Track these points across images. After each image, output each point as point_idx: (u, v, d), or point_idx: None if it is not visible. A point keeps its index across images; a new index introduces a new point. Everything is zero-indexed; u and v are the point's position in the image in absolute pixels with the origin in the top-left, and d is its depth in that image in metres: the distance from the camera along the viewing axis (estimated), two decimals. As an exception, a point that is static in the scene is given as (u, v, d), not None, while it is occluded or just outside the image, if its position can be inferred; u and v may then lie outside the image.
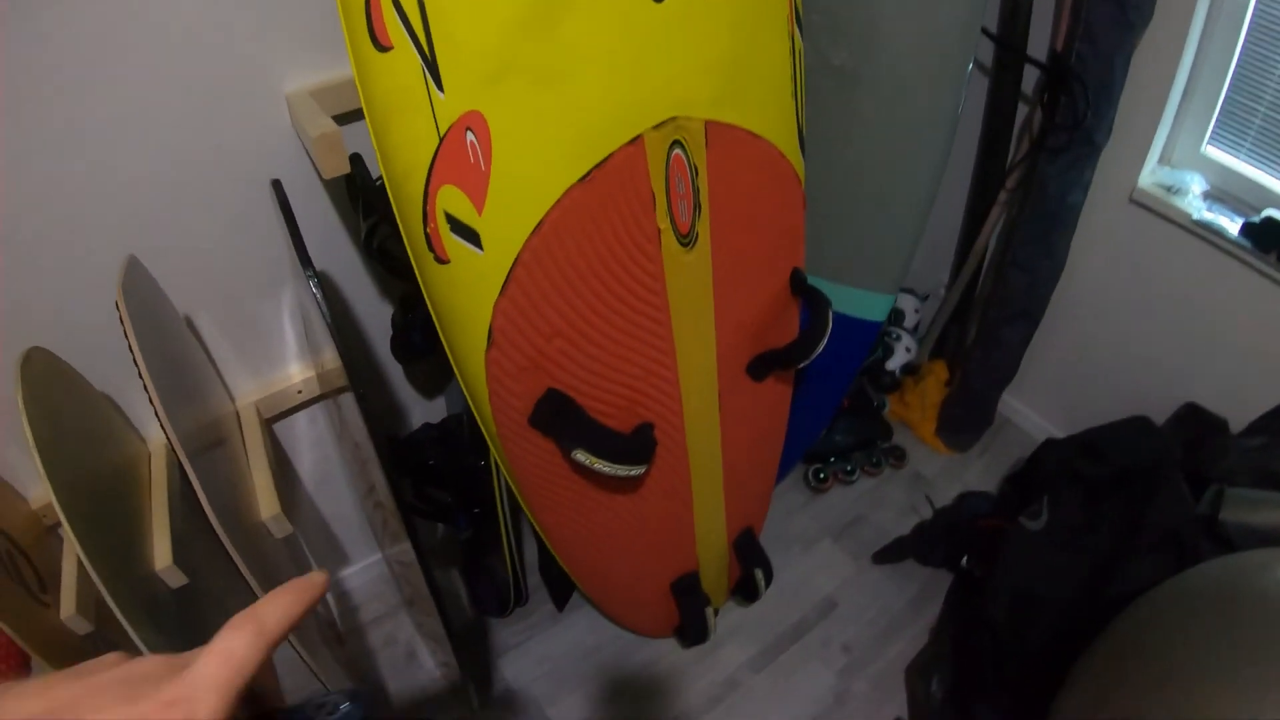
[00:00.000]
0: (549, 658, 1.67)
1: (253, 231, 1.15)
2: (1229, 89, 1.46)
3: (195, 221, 1.10)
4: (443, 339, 0.92)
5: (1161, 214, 1.59)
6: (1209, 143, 1.55)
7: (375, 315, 1.38)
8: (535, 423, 0.95)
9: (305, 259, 0.88)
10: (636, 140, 0.89)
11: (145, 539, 1.06)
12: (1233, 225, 1.48)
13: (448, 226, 0.81)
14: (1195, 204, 1.54)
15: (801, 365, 1.17)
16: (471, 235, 0.82)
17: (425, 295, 0.89)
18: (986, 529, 1.71)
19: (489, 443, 1.02)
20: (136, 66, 0.92)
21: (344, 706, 0.43)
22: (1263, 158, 1.48)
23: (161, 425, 0.88)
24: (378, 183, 1.06)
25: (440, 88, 0.75)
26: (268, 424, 1.38)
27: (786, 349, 1.17)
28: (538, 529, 1.17)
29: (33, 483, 1.14)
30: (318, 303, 0.85)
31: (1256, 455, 1.46)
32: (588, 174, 0.86)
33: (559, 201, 0.84)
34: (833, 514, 1.95)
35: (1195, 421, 1.64)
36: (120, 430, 1.18)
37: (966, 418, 2.03)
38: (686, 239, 0.99)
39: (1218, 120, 1.51)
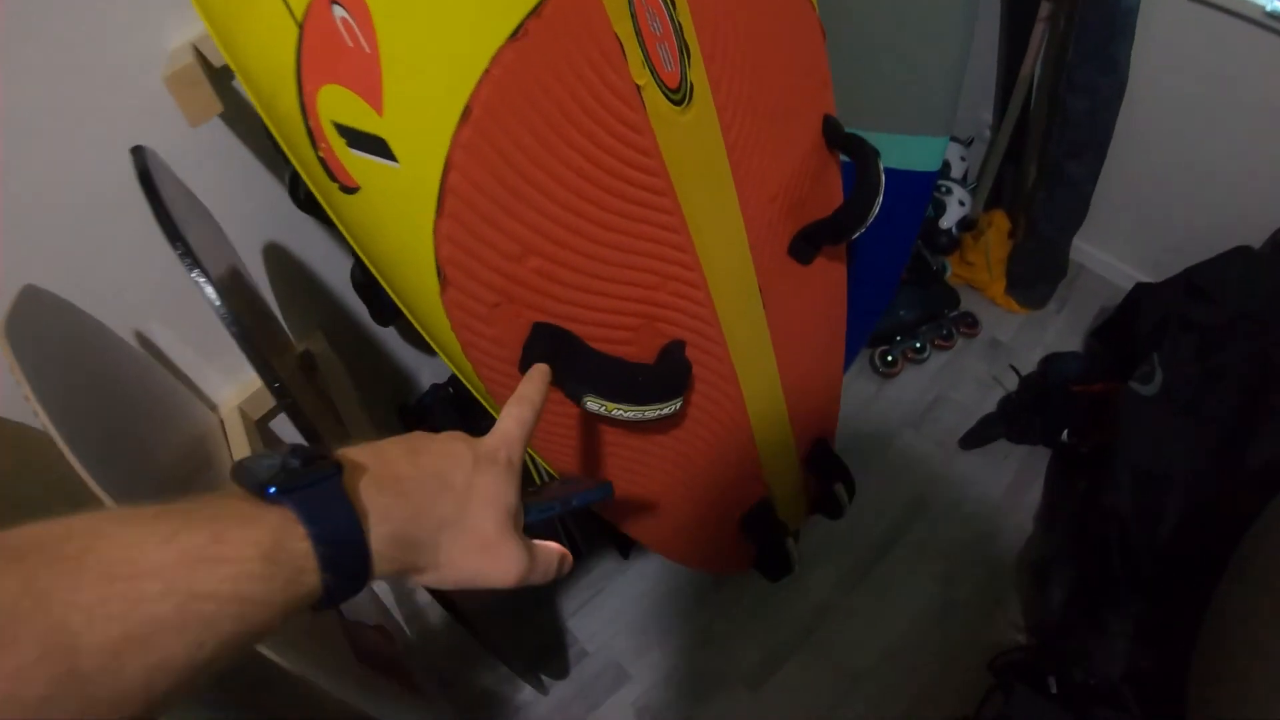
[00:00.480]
0: (622, 611, 1.52)
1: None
2: None
3: (96, 228, 0.93)
4: (388, 290, 0.70)
5: (1228, 9, 1.36)
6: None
7: (347, 273, 1.19)
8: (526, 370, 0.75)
9: (184, 252, 0.66)
10: (580, -31, 0.65)
11: None
12: None
13: (342, 141, 0.58)
14: (1265, -6, 1.29)
15: (855, 236, 0.95)
16: (376, 145, 0.59)
17: (349, 240, 0.67)
18: (1087, 396, 1.48)
19: (485, 405, 0.82)
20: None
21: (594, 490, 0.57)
22: None
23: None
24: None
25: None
26: (258, 425, 1.22)
27: (834, 217, 0.94)
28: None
29: None
30: (216, 307, 0.65)
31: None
32: (519, 27, 0.61)
33: (487, 72, 0.61)
34: (908, 400, 1.74)
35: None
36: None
37: (1038, 270, 1.78)
38: (678, 94, 0.75)
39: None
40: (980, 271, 1.83)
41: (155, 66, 0.82)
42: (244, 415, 1.13)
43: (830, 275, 1.10)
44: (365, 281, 1.01)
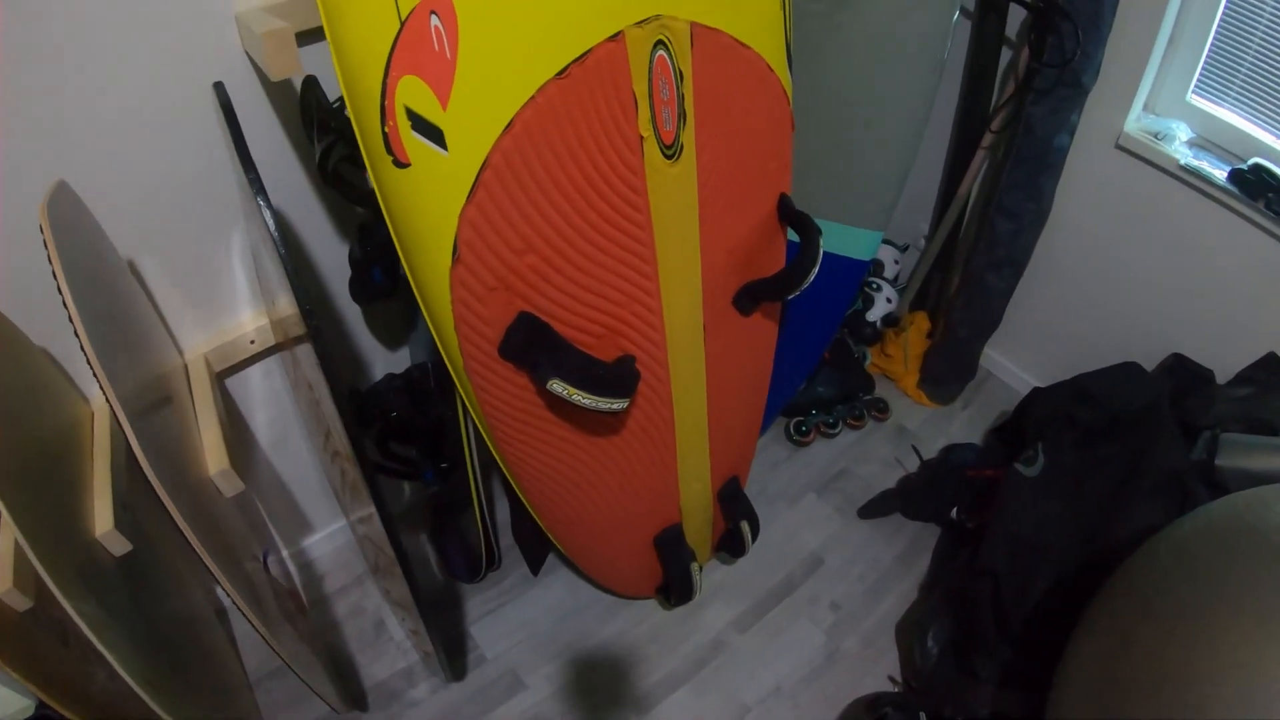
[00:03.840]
0: (525, 623, 1.60)
1: (198, 160, 1.05)
2: (1215, 37, 1.42)
3: (135, 148, 0.99)
4: (402, 258, 0.82)
5: (1148, 160, 1.55)
6: (1194, 91, 1.51)
7: (332, 255, 1.28)
8: (506, 352, 0.87)
9: (255, 179, 0.77)
10: (618, 36, 0.80)
11: (86, 505, 0.98)
12: (1220, 173, 1.44)
13: (408, 123, 0.72)
14: (1182, 151, 1.50)
15: (790, 296, 1.10)
16: (434, 133, 0.72)
17: (383, 207, 0.79)
18: (978, 479, 1.66)
19: (455, 379, 0.93)
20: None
21: None
22: (1248, 107, 1.44)
23: (97, 379, 0.79)
24: (335, 104, 0.97)
25: (399, -38, 0.66)
26: (219, 378, 1.29)
27: (776, 278, 1.09)
28: (510, 479, 1.09)
29: None
30: (270, 233, 0.75)
31: (1244, 404, 1.43)
32: (565, 69, 0.77)
33: (533, 99, 0.75)
34: (816, 468, 1.90)
35: (1182, 372, 1.61)
36: (59, 389, 1.08)
37: (949, 369, 1.98)
38: (671, 150, 0.90)
39: (1203, 68, 1.47)
40: (897, 364, 2.02)
41: (227, 20, 0.94)
42: (208, 364, 1.20)
43: (764, 330, 1.25)
44: (362, 260, 1.11)
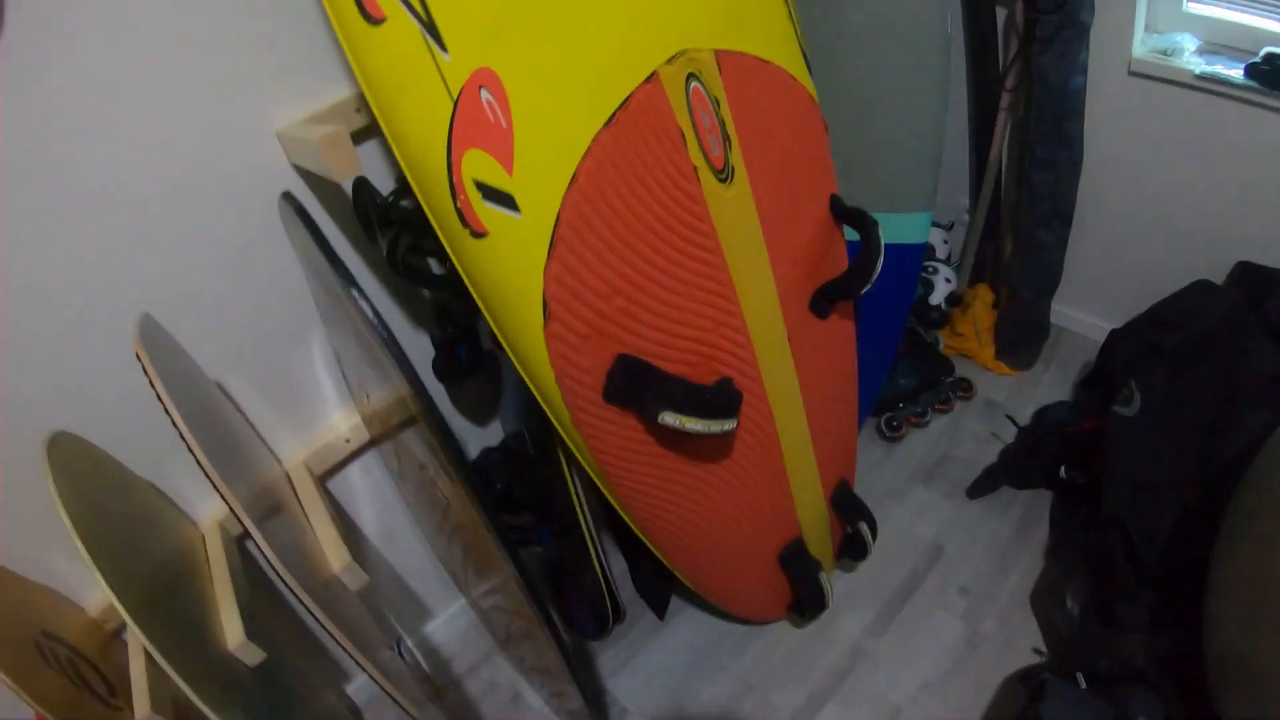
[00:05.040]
0: (659, 670, 1.59)
1: (268, 274, 1.10)
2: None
3: (206, 273, 1.04)
4: (493, 325, 0.86)
5: (1163, 78, 1.55)
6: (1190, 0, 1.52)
7: (407, 342, 1.30)
8: (611, 396, 0.89)
9: (345, 272, 0.81)
10: (652, 77, 0.84)
11: (212, 621, 1.00)
12: (1235, 72, 1.44)
13: (479, 194, 0.75)
14: (1193, 61, 1.51)
15: (862, 291, 1.11)
16: (506, 199, 0.76)
17: (466, 280, 0.83)
18: (1078, 434, 1.63)
19: (563, 435, 0.96)
20: (125, 129, 0.89)
21: None
22: (1246, 1, 1.44)
23: (217, 489, 0.83)
24: (389, 198, 1.02)
25: (444, 49, 0.71)
26: (320, 481, 1.33)
27: (846, 276, 1.11)
28: (630, 522, 1.11)
29: (87, 589, 1.09)
30: (370, 319, 0.79)
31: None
32: (611, 117, 0.81)
33: (589, 150, 0.79)
34: (915, 459, 1.88)
35: (1252, 278, 1.59)
36: (166, 513, 1.13)
37: (1022, 333, 1.96)
38: (723, 174, 0.93)
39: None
40: (970, 341, 2.01)
41: (268, 138, 0.99)
42: (308, 469, 1.24)
43: (843, 330, 1.26)
44: (444, 339, 1.16)
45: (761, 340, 1.05)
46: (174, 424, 0.81)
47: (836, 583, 1.63)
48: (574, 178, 0.79)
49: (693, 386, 0.90)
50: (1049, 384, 1.97)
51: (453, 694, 1.65)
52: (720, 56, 0.91)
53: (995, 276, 2.03)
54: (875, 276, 1.09)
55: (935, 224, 2.05)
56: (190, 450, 0.82)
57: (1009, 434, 1.82)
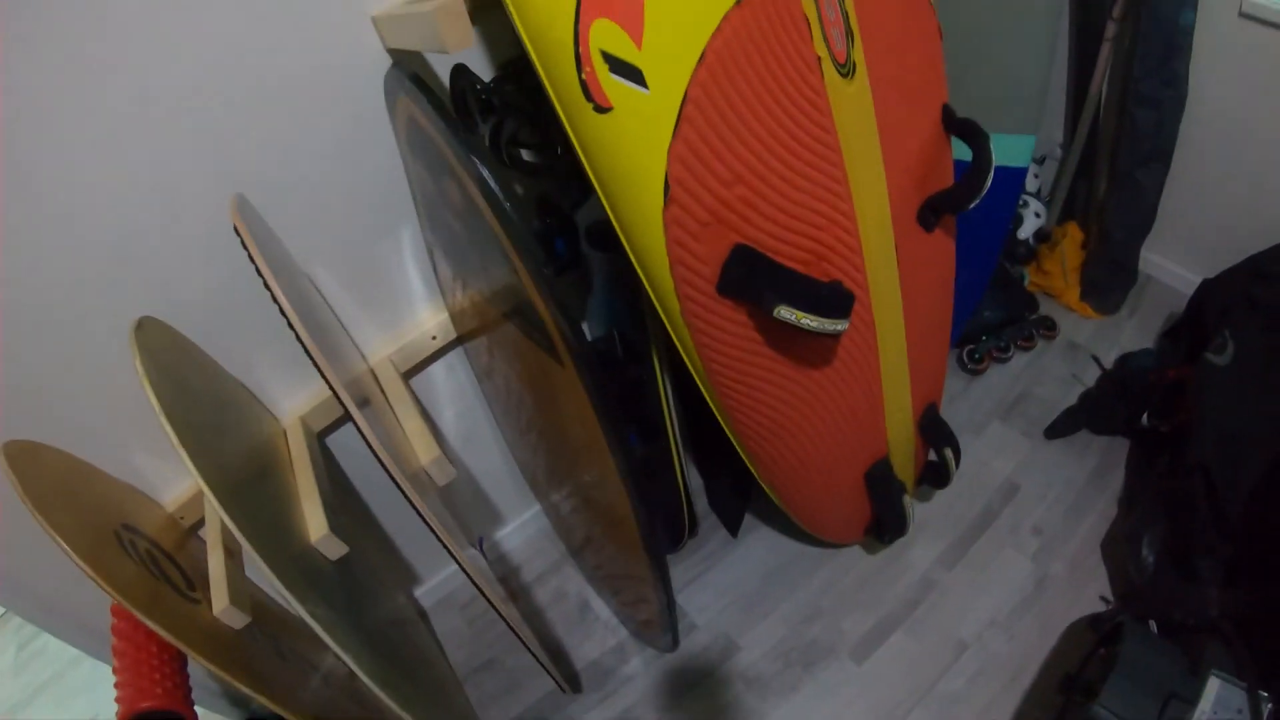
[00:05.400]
0: (731, 586, 1.62)
1: (363, 163, 1.09)
2: None
3: (300, 161, 1.03)
4: (608, 208, 0.86)
5: (1275, 23, 1.47)
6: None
7: None
8: (725, 288, 0.88)
9: (458, 134, 0.79)
10: (783, -40, 0.82)
11: (294, 515, 1.01)
12: None
13: (606, 67, 0.74)
14: (1308, 6, 1.41)
15: (971, 205, 1.09)
16: (634, 73, 0.75)
17: (584, 159, 0.82)
18: (1162, 381, 1.59)
19: (670, 329, 0.96)
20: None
21: None
22: None
23: (318, 368, 0.82)
24: (490, 84, 1.01)
25: (580, -90, 0.70)
26: (404, 378, 1.33)
27: (956, 187, 1.08)
28: (728, 427, 1.11)
29: (166, 485, 1.12)
30: (484, 186, 0.78)
31: None
32: None
33: (719, 28, 0.77)
34: (995, 394, 1.85)
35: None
36: (250, 407, 1.14)
37: (1110, 276, 1.90)
38: (845, 68, 0.91)
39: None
40: (1056, 279, 1.96)
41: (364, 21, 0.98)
42: (394, 366, 1.24)
43: (946, 247, 1.24)
44: (543, 233, 1.16)
45: (871, 245, 1.04)
46: (274, 299, 0.80)
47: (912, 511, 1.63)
48: (703, 56, 0.77)
49: (811, 281, 0.89)
50: (1133, 331, 1.91)
51: (521, 602, 1.70)
52: (846, -54, 0.88)
53: (1086, 215, 1.97)
54: (984, 191, 1.06)
55: (1027, 159, 1.99)
56: (291, 327, 0.81)
57: (1090, 377, 1.78)
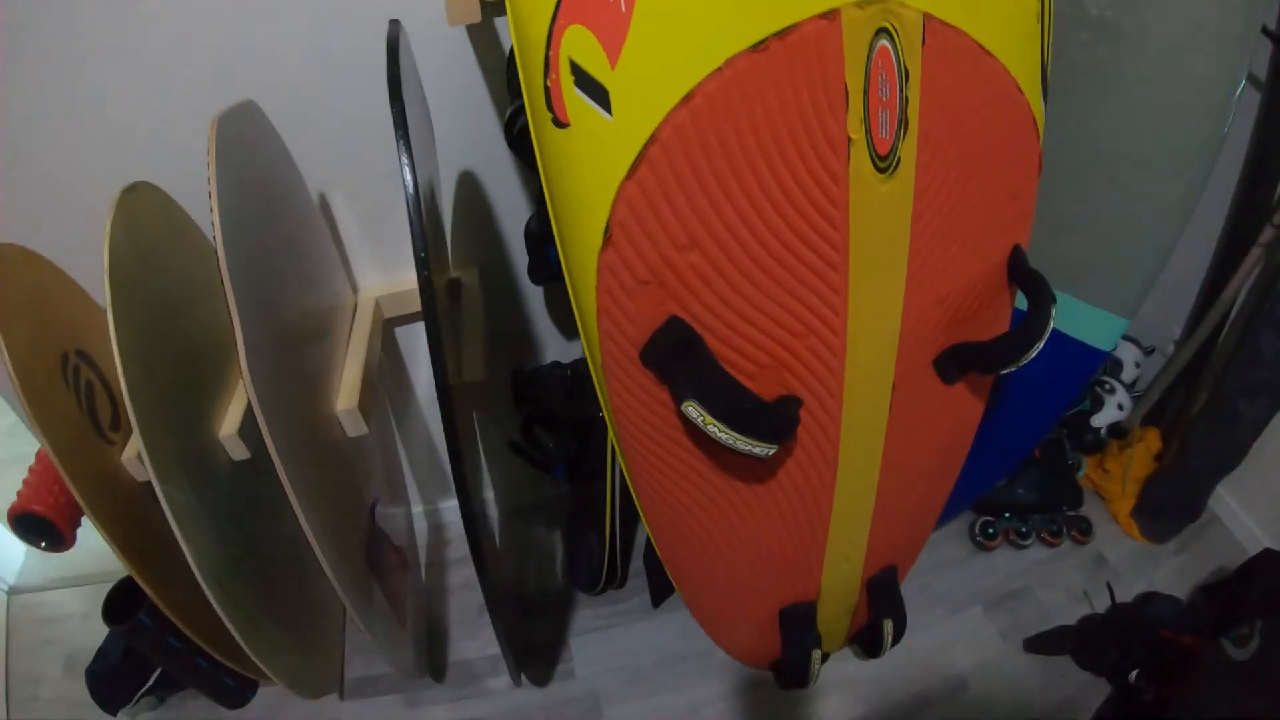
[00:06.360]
0: (626, 652, 1.49)
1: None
2: None
3: (329, 80, 1.03)
4: (555, 229, 0.75)
5: None
6: None
7: (520, 226, 1.23)
8: (648, 358, 0.76)
9: (399, 111, 0.76)
10: (833, 14, 0.67)
11: (219, 406, 1.00)
12: None
13: (572, 79, 0.63)
14: None
15: (1005, 371, 0.92)
16: (599, 92, 0.63)
17: (541, 170, 0.72)
18: (1173, 643, 1.36)
19: (594, 377, 0.84)
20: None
21: None
22: None
23: (226, 297, 0.80)
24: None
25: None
26: (388, 325, 1.29)
27: (990, 344, 0.91)
28: (635, 498, 0.99)
29: None
30: (404, 167, 0.71)
31: None
32: (763, 42, 0.65)
33: (719, 70, 0.64)
34: (992, 578, 1.65)
35: None
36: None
37: (1172, 503, 1.66)
38: (885, 162, 0.76)
39: None
40: (1114, 483, 1.72)
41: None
42: (378, 308, 1.20)
43: (965, 408, 1.06)
44: (539, 235, 1.06)
45: (859, 374, 0.88)
46: (212, 220, 0.77)
47: (844, 663, 1.45)
48: (689, 96, 0.64)
49: (737, 388, 0.75)
50: (1172, 570, 1.66)
51: (431, 575, 1.63)
52: (930, 22, 0.72)
53: (1173, 426, 1.73)
54: (1025, 360, 0.89)
55: (1134, 341, 1.76)
56: (216, 246, 0.78)
57: (1102, 603, 1.55)
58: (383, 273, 1.25)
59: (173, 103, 1.01)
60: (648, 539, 1.57)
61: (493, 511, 1.75)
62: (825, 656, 1.33)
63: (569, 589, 1.59)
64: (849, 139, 0.73)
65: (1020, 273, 0.92)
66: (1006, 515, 1.68)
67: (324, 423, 1.02)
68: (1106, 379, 1.73)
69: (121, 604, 1.20)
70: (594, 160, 0.67)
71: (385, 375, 1.42)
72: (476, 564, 0.98)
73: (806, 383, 0.85)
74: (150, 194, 0.95)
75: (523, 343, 1.47)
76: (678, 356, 0.74)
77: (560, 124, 0.66)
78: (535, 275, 1.17)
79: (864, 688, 1.44)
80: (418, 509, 1.71)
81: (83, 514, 0.93)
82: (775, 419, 0.77)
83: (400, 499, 1.57)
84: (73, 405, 0.93)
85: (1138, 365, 1.76)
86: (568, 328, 1.46)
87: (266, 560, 1.15)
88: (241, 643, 0.95)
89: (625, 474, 0.94)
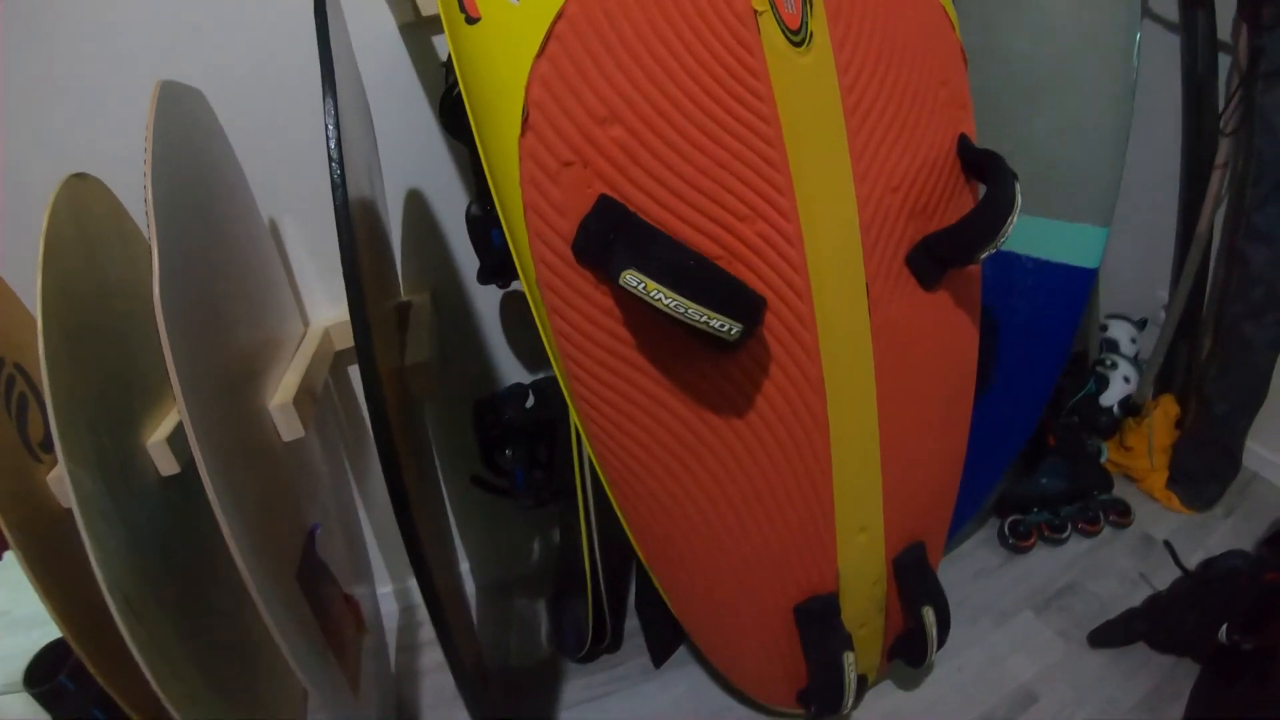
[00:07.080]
0: (628, 720, 1.32)
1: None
2: None
3: (286, 105, 1.03)
4: (478, 143, 0.73)
5: None
6: None
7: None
8: (581, 247, 0.70)
9: (328, 68, 0.73)
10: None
11: (150, 415, 0.91)
12: None
13: (477, -30, 0.64)
14: None
15: (983, 254, 0.86)
16: (503, -19, 0.64)
17: (458, 75, 0.72)
18: (1261, 585, 1.21)
19: (531, 306, 0.78)
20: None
21: None
22: None
23: (155, 304, 0.72)
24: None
25: None
26: (338, 356, 1.23)
27: (961, 224, 0.86)
28: (606, 488, 0.90)
29: None
30: (327, 137, 0.69)
31: None
32: None
33: (617, -62, 0.66)
34: (1035, 579, 1.49)
35: None
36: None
37: (1206, 462, 1.56)
38: (798, 36, 0.76)
39: None
40: (1140, 459, 1.62)
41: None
42: (328, 336, 1.14)
43: (956, 321, 0.98)
44: (481, 218, 1.04)
45: (824, 267, 0.82)
46: (147, 218, 0.72)
47: (887, 696, 1.28)
48: (587, -35, 0.65)
49: (677, 246, 0.70)
50: (1226, 534, 1.53)
51: (403, 658, 1.49)
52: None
53: (1185, 385, 1.65)
54: (1003, 236, 0.83)
55: (1125, 318, 1.72)
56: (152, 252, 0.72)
57: (1163, 578, 1.40)
58: (335, 305, 1.21)
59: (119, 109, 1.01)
60: (636, 591, 1.45)
61: (470, 586, 1.62)
62: (864, 681, 1.17)
63: (557, 659, 1.44)
64: (755, 10, 0.73)
65: (970, 156, 0.90)
66: (1035, 510, 1.56)
67: (259, 430, 0.94)
68: (1107, 356, 1.67)
69: (47, 666, 1.04)
70: (505, 47, 0.67)
71: (343, 427, 1.35)
72: (441, 638, 0.86)
73: (767, 279, 0.80)
74: (92, 187, 0.90)
75: (481, 369, 1.41)
76: (613, 234, 0.69)
77: (472, 20, 0.67)
78: (483, 271, 1.12)
79: (916, 718, 1.27)
80: (385, 589, 1.56)
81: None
82: (727, 281, 0.71)
83: (365, 578, 1.43)
84: (6, 424, 0.84)
85: (1133, 341, 1.70)
86: (526, 347, 1.41)
87: (195, 597, 1.00)
88: (149, 676, 0.80)
89: (592, 459, 0.87)
